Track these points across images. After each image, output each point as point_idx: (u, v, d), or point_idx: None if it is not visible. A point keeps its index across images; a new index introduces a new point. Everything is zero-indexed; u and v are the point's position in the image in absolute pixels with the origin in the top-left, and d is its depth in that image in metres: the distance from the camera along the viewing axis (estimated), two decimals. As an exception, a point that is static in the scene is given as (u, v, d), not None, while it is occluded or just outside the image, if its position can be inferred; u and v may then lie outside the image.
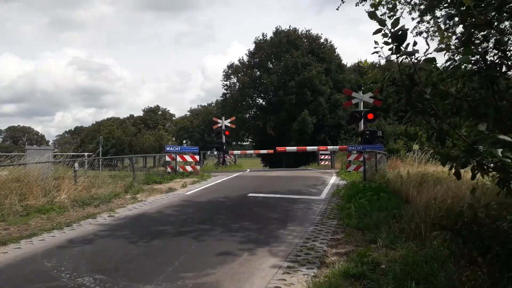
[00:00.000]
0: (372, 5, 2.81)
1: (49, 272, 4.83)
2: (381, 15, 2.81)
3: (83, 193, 10.41)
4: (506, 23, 8.55)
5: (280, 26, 43.03)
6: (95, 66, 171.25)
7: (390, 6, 2.87)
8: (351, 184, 11.90)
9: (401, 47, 2.81)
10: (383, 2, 2.90)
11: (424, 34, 11.81)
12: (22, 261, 5.41)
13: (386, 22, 2.78)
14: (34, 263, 5.30)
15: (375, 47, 2.97)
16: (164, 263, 5.12)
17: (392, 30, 2.77)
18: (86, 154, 19.37)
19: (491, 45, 2.96)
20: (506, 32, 9.01)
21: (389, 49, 2.87)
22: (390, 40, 2.83)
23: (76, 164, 11.41)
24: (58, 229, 7.28)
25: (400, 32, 2.74)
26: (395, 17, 2.75)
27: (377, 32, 2.82)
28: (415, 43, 2.87)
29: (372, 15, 2.80)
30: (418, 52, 2.84)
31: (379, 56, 3.02)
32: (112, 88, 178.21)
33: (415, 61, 2.85)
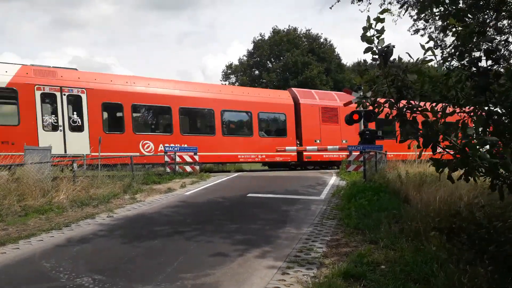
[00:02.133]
0: (363, 28, 3.21)
1: (47, 273, 4.81)
2: (371, 36, 3.23)
3: (81, 193, 10.38)
4: (504, 22, 8.58)
5: (277, 26, 43.10)
6: (96, 66, 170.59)
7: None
8: (351, 184, 11.87)
9: (388, 62, 3.20)
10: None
11: (421, 32, 11.81)
12: (21, 261, 5.39)
13: (375, 41, 3.22)
14: (32, 263, 5.27)
15: (365, 66, 3.25)
16: (163, 264, 5.10)
17: (379, 47, 3.21)
18: (84, 154, 19.30)
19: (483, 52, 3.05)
20: (504, 31, 9.02)
21: (377, 65, 3.26)
22: (377, 57, 3.24)
23: (74, 164, 11.39)
24: (57, 230, 7.25)
25: (386, 49, 3.17)
26: (380, 38, 3.20)
27: (367, 50, 3.26)
28: (400, 59, 3.34)
29: (363, 37, 3.23)
30: (402, 65, 3.19)
31: (366, 67, 3.33)
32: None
33: (401, 73, 3.17)
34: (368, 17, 3.15)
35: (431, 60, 3.14)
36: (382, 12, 3.15)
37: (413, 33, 11.89)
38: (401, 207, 7.14)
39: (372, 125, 17.84)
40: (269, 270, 4.83)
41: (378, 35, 3.18)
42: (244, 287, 4.33)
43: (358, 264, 4.71)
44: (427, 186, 7.47)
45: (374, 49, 3.21)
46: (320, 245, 5.92)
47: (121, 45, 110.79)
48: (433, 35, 11.51)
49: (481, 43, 3.02)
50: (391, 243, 5.42)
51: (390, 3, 11.40)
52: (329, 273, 4.52)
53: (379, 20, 3.10)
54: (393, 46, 3.15)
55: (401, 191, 8.83)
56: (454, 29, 3.08)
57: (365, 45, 3.22)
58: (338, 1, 11.39)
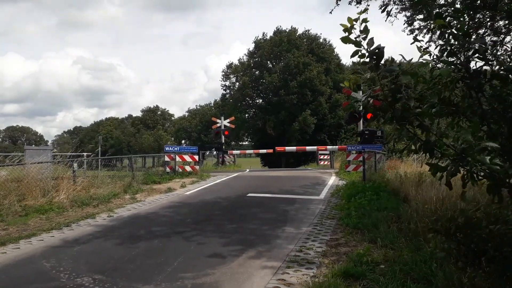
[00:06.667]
0: (344, 30, 2.86)
1: (48, 272, 4.83)
2: (355, 37, 2.89)
3: (82, 193, 10.39)
4: (501, 22, 8.59)
5: (280, 26, 43.11)
6: (101, 66, 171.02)
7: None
8: (351, 184, 11.90)
9: (380, 64, 2.92)
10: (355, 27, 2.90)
11: (416, 31, 11.76)
12: (21, 261, 5.40)
13: (362, 43, 2.89)
14: (33, 263, 5.29)
15: (356, 69, 3.10)
16: (163, 263, 5.12)
17: (369, 50, 2.88)
18: (85, 154, 19.32)
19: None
20: (500, 32, 9.04)
21: (369, 68, 2.97)
22: (368, 60, 2.94)
23: (75, 164, 11.40)
24: (57, 229, 7.26)
25: (377, 50, 2.87)
26: (369, 38, 2.87)
27: (354, 54, 2.93)
28: (392, 60, 3.09)
29: (345, 40, 2.89)
30: (396, 68, 2.94)
31: (359, 75, 3.12)
32: (116, 88, 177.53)
33: (395, 74, 2.94)
34: (349, 18, 2.87)
35: (427, 63, 3.04)
36: (361, 12, 2.84)
37: (408, 33, 11.88)
38: (400, 207, 7.16)
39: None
40: (269, 270, 4.84)
41: (364, 36, 2.89)
42: (244, 286, 4.35)
43: (358, 263, 4.72)
44: (426, 186, 7.49)
45: (363, 51, 2.93)
46: (320, 245, 5.94)
47: (127, 46, 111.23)
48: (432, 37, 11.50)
49: (469, 44, 2.94)
50: (390, 243, 5.44)
51: (386, 4, 11.36)
52: (329, 273, 4.53)
53: (362, 20, 2.85)
54: (383, 47, 2.89)
55: (400, 191, 8.85)
56: (444, 30, 2.99)
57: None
58: (337, 5, 11.35)
